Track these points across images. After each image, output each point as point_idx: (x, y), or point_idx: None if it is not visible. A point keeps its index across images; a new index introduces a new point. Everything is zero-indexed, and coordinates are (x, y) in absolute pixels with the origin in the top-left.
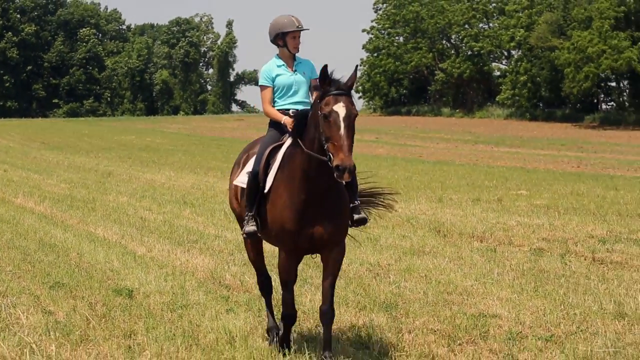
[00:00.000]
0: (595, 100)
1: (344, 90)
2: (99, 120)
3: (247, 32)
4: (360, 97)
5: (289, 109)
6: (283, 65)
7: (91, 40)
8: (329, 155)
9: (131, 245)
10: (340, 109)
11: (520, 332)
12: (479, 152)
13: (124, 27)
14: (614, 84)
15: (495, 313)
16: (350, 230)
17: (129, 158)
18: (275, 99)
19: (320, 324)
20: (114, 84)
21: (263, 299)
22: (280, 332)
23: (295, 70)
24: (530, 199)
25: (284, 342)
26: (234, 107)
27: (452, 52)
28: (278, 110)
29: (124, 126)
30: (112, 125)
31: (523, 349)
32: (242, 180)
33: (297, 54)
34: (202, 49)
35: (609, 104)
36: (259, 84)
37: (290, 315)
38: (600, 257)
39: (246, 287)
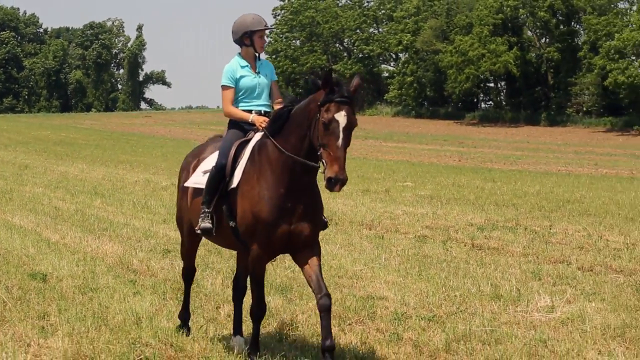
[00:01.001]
0: (475, 100)
1: (347, 99)
2: (17, 117)
3: (156, 36)
4: None
5: (250, 111)
6: (247, 66)
7: (10, 43)
8: (323, 163)
9: (45, 232)
10: (341, 118)
11: (405, 312)
12: (369, 147)
13: (42, 30)
14: (492, 84)
15: (382, 295)
16: None
17: (45, 152)
18: (238, 101)
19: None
20: (31, 83)
21: (182, 290)
22: (186, 319)
23: (259, 72)
24: (415, 190)
25: (255, 340)
26: (143, 105)
27: (345, 54)
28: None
29: (40, 122)
30: (30, 121)
31: (407, 328)
32: (196, 180)
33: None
34: (114, 51)
35: (487, 103)
36: (221, 84)
37: (260, 309)
38: (478, 244)
39: (152, 272)
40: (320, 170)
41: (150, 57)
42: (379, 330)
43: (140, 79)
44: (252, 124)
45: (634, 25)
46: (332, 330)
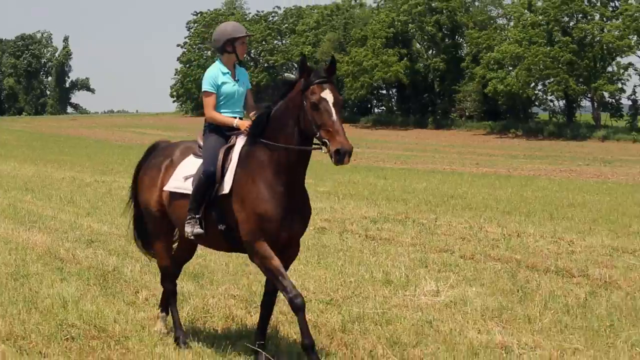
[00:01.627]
0: (369, 105)
1: (326, 78)
2: None
3: (81, 46)
4: (174, 101)
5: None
6: (228, 73)
7: None
8: (325, 142)
9: None
10: (328, 95)
11: (305, 296)
12: None
13: None
14: (384, 91)
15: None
16: None
17: None
18: (217, 107)
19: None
20: None
21: (167, 310)
22: (184, 337)
23: (237, 80)
24: (315, 186)
25: (307, 334)
26: (69, 109)
27: (252, 64)
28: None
29: None
30: None
31: (307, 311)
32: (177, 185)
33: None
34: (43, 60)
35: (380, 108)
36: (204, 89)
37: (295, 297)
38: (371, 234)
39: (77, 260)
40: (323, 152)
41: (76, 66)
42: (282, 313)
43: (67, 85)
44: (236, 129)
45: (510, 39)
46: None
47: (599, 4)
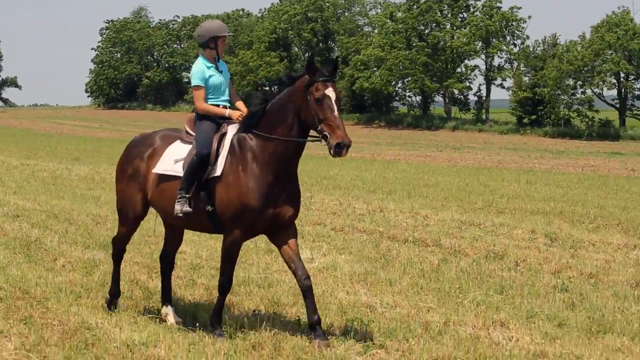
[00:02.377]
0: None
1: (329, 77)
2: None
3: (11, 48)
4: (89, 96)
5: (218, 105)
6: (212, 66)
7: None
8: (325, 135)
9: None
10: (331, 93)
11: (199, 263)
12: None
13: None
14: (267, 88)
15: (181, 250)
16: None
17: None
18: (206, 97)
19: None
20: None
21: (112, 268)
22: (116, 294)
23: (221, 71)
24: None
25: (218, 314)
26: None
27: (155, 64)
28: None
29: None
30: None
31: (201, 276)
32: (167, 168)
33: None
34: None
35: None
36: (193, 84)
37: (230, 284)
38: None
39: (5, 232)
40: (322, 144)
41: (6, 66)
42: (178, 277)
43: None
44: (227, 118)
45: (375, 44)
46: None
47: (450, 15)
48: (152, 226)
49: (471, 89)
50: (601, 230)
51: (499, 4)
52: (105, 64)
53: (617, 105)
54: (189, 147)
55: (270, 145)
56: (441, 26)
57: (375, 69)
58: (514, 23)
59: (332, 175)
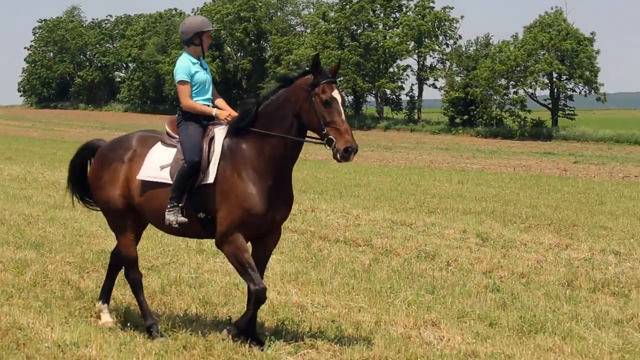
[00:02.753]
0: None
1: (334, 79)
2: None
3: None
4: (21, 95)
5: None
6: (197, 62)
7: None
8: (331, 139)
9: None
10: (338, 95)
11: None
12: (108, 136)
13: None
14: None
15: (110, 250)
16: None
17: None
18: (191, 95)
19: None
20: None
21: (136, 300)
22: (156, 326)
23: (205, 69)
24: None
25: (250, 326)
26: None
27: (87, 63)
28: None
29: None
30: None
31: None
32: (152, 174)
33: None
34: None
35: None
36: (179, 79)
37: (262, 289)
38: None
39: None
40: (329, 148)
41: None
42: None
43: None
44: (214, 118)
45: (307, 44)
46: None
47: (382, 15)
48: (71, 199)
49: (403, 89)
50: (533, 230)
51: (431, 4)
52: (38, 64)
53: (550, 106)
54: (173, 150)
55: (267, 148)
56: (374, 26)
57: (307, 68)
58: (446, 23)
59: None
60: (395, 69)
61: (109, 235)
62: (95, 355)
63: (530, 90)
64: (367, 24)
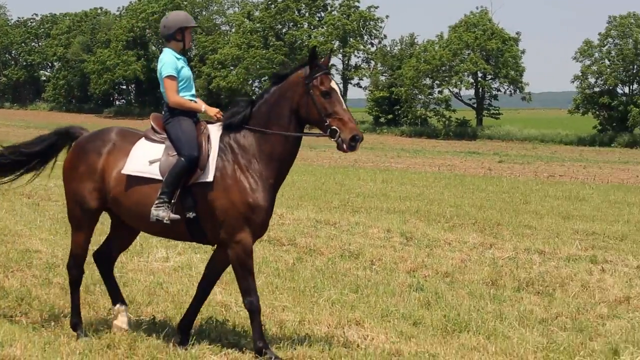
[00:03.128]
0: (112, 98)
1: (329, 70)
2: None
3: None
4: None
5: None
6: (181, 58)
7: None
8: (334, 130)
9: None
10: (335, 86)
11: (55, 262)
12: (29, 134)
13: None
14: (124, 87)
15: (37, 249)
16: None
17: None
18: (177, 91)
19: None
20: None
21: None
22: (78, 323)
23: (187, 65)
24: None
25: (261, 337)
26: None
27: (13, 62)
28: None
29: None
30: None
31: (56, 275)
32: (140, 169)
33: None
34: None
35: (121, 100)
36: (167, 74)
37: (258, 300)
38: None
39: None
40: (332, 139)
41: None
42: (34, 276)
43: None
44: (201, 114)
45: (232, 43)
46: None
47: (307, 14)
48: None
49: None
50: (457, 229)
51: (356, 3)
52: None
53: (475, 105)
54: (161, 146)
55: (266, 146)
56: (299, 25)
57: (232, 68)
58: (371, 22)
59: None
60: None
61: (33, 234)
62: (19, 354)
63: (455, 90)
64: (292, 24)
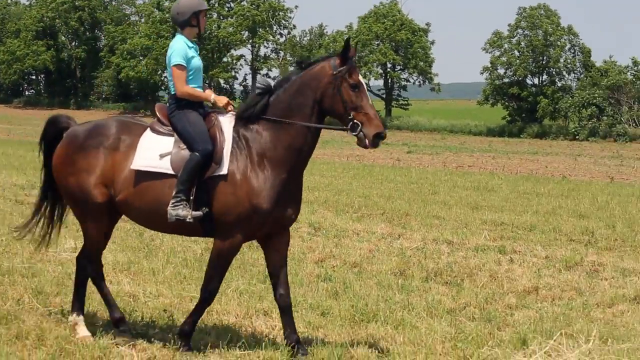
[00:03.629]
0: (21, 88)
1: (355, 63)
2: None
3: None
4: None
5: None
6: (193, 47)
7: None
8: (356, 124)
9: None
10: (363, 80)
11: None
12: None
13: None
14: (34, 77)
15: None
16: None
17: None
18: (187, 81)
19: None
20: None
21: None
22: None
23: (198, 53)
24: None
25: (193, 324)
26: None
27: None
28: None
29: None
30: None
31: None
32: (151, 164)
33: None
34: None
35: (30, 90)
36: (176, 62)
37: (216, 294)
38: (20, 199)
39: None
40: (354, 134)
41: None
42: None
43: None
44: (212, 104)
45: (142, 33)
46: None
47: (217, 4)
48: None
49: (237, 79)
50: (365, 219)
51: None
52: None
53: (384, 96)
54: (169, 139)
55: (285, 137)
56: (208, 15)
57: (141, 58)
58: (280, 13)
59: None
60: (229, 59)
61: None
62: None
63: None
64: None
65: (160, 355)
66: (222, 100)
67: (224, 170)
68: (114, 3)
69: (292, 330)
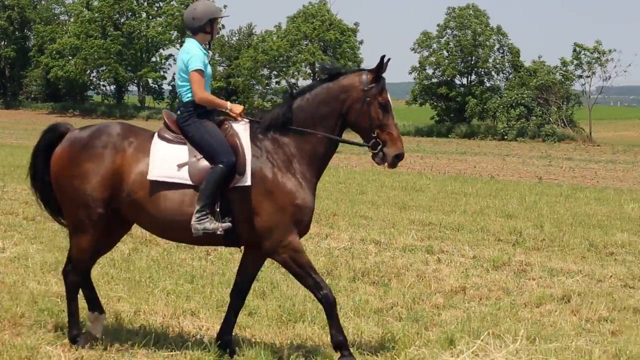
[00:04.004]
0: None
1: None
2: None
3: None
4: None
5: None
6: (206, 53)
7: None
8: (377, 142)
9: None
10: (390, 100)
11: None
12: None
13: None
14: None
15: None
16: None
17: None
18: None
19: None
20: None
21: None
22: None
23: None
24: None
25: (340, 330)
26: None
27: None
28: None
29: None
30: None
31: None
32: (168, 174)
33: None
34: None
35: None
36: (195, 67)
37: (330, 292)
38: None
39: None
40: (374, 151)
41: None
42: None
43: None
44: (227, 113)
45: (71, 33)
46: None
47: (146, 4)
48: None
49: (165, 79)
50: None
51: None
52: None
53: None
54: (182, 147)
55: (307, 146)
56: (137, 15)
57: (70, 57)
58: None
59: (24, 164)
60: (158, 59)
61: None
62: None
63: (293, 81)
64: (130, 13)
65: (87, 356)
66: (238, 108)
67: (247, 181)
68: (43, 2)
69: (229, 330)
